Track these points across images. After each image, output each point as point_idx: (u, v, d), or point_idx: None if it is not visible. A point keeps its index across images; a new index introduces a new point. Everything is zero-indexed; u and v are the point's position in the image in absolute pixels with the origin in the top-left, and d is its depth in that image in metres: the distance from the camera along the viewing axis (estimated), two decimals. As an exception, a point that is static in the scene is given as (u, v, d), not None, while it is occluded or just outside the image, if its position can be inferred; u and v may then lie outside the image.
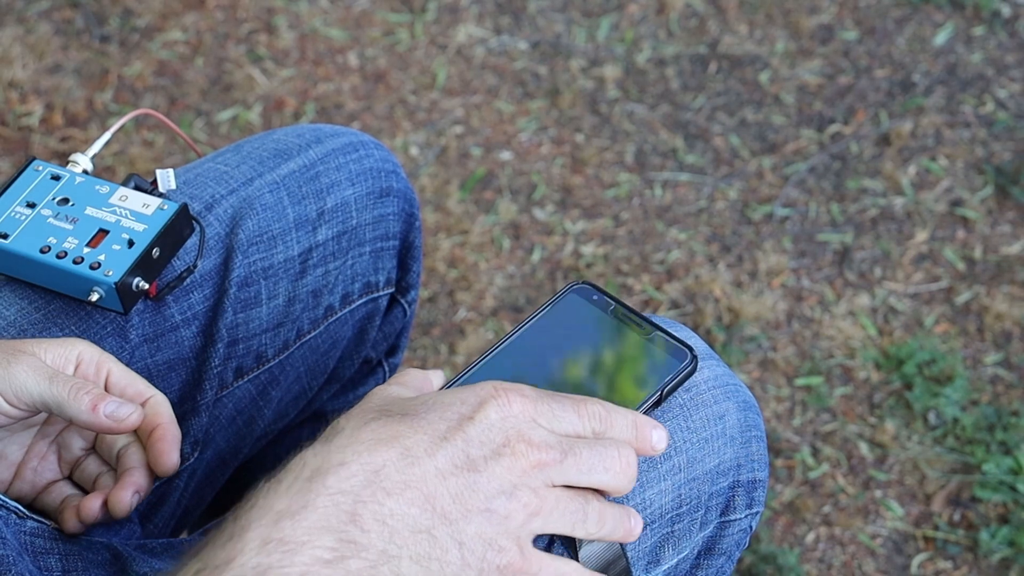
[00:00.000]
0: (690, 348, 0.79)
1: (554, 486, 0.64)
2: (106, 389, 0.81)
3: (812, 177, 1.82)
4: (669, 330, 0.80)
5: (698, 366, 0.79)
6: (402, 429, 0.62)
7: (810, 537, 1.49)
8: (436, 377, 0.72)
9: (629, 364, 0.77)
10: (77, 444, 0.84)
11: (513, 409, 0.64)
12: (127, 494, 0.80)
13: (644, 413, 0.77)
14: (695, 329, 1.64)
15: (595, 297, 0.82)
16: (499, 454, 0.63)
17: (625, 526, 0.68)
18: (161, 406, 0.81)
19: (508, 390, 0.64)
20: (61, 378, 0.77)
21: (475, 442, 0.62)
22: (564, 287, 0.83)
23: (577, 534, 0.66)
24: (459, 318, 1.67)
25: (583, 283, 0.83)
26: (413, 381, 0.70)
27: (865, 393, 1.60)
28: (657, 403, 0.78)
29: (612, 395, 0.77)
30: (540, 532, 0.64)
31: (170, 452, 0.80)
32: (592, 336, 0.81)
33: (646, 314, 0.82)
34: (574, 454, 0.64)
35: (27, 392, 0.76)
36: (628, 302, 0.83)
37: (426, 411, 0.64)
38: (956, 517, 1.50)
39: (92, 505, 0.80)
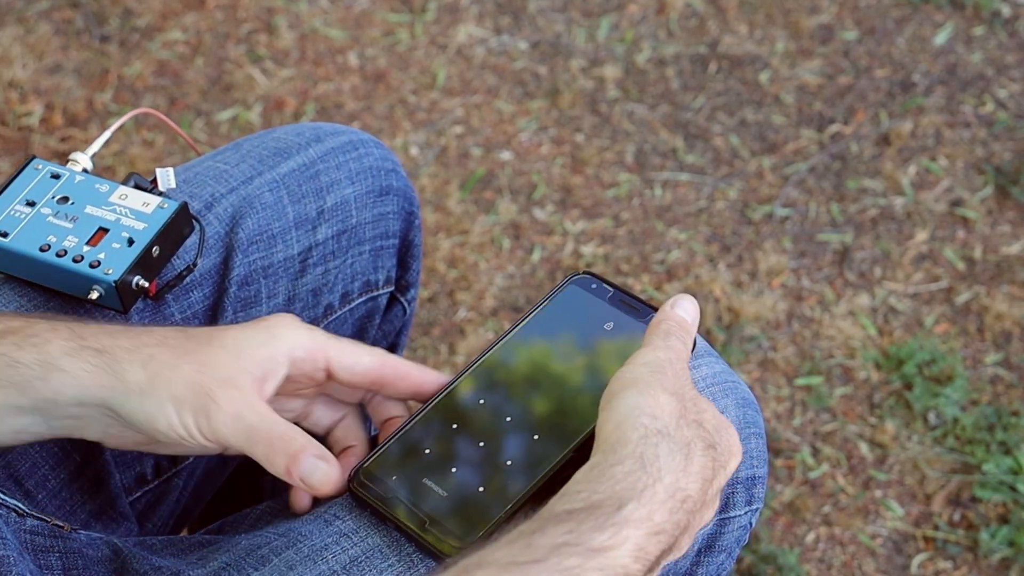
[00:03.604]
0: None
1: None
2: (329, 378, 0.80)
3: (812, 177, 1.82)
4: None
5: (696, 346, 0.80)
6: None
7: (810, 537, 1.49)
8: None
9: (627, 350, 0.78)
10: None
11: None
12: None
13: None
14: (695, 329, 1.64)
15: (594, 286, 0.83)
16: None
17: None
18: (399, 364, 0.81)
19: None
20: (259, 437, 0.75)
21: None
22: (564, 279, 0.83)
23: None
24: (459, 318, 1.67)
25: (583, 273, 0.84)
26: None
27: (865, 393, 1.60)
28: None
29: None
30: None
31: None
32: (592, 325, 0.81)
33: (645, 298, 0.83)
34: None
35: (225, 442, 0.75)
36: (627, 288, 0.84)
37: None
38: (956, 517, 1.50)
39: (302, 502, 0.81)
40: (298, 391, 0.82)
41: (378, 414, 0.84)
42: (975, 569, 1.46)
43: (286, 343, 0.77)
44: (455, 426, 0.79)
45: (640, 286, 1.69)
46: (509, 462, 0.77)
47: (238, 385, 0.75)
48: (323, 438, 0.84)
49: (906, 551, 1.48)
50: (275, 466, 0.75)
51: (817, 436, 1.57)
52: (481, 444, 0.78)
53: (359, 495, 0.78)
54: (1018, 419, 1.56)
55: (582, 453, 0.73)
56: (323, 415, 0.84)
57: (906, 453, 1.55)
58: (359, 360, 0.79)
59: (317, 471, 0.75)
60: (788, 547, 1.48)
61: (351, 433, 0.83)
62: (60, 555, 0.79)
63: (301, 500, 0.80)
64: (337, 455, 0.81)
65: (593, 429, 0.74)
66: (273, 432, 0.74)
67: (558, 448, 0.76)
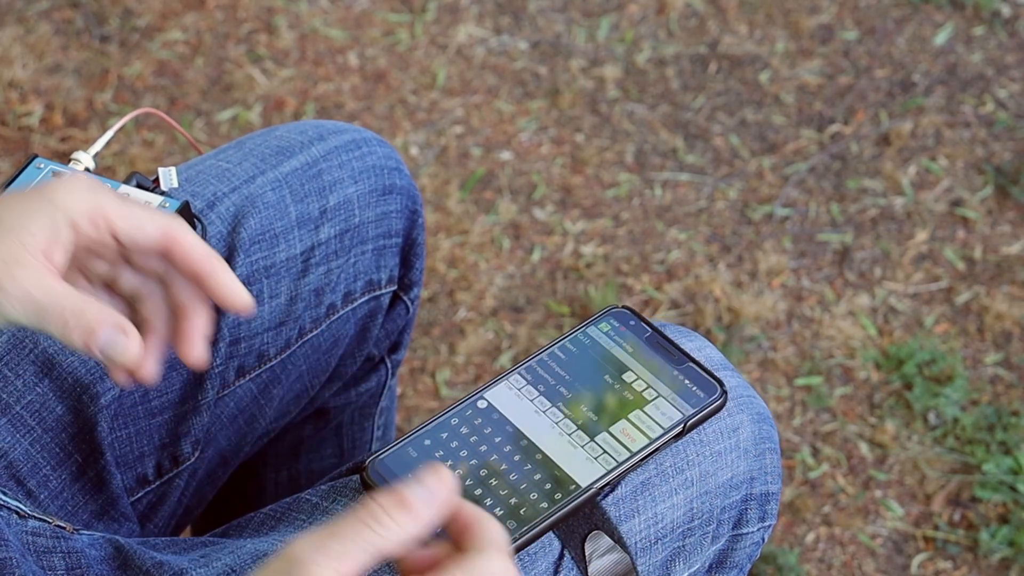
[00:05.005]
0: (720, 383, 0.79)
1: None
2: (116, 242, 0.74)
3: (812, 177, 1.82)
4: (704, 364, 0.80)
5: (727, 403, 0.79)
6: None
7: (810, 537, 1.49)
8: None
9: (656, 394, 0.77)
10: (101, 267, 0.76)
11: None
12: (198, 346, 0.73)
13: (664, 444, 0.77)
14: (695, 329, 1.64)
15: (632, 322, 0.82)
16: None
17: None
18: (184, 237, 0.73)
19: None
20: (50, 314, 0.70)
21: None
22: (603, 309, 0.83)
23: None
24: (459, 318, 1.67)
25: (622, 307, 0.83)
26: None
27: (865, 393, 1.60)
28: (679, 436, 0.78)
29: (635, 424, 0.78)
30: None
31: (232, 285, 0.73)
32: (623, 361, 0.81)
33: (682, 345, 0.82)
34: None
35: (18, 323, 0.71)
36: (667, 332, 0.83)
37: None
38: (956, 517, 1.50)
39: (149, 368, 0.73)
40: (97, 253, 0.75)
41: (172, 303, 0.76)
42: (975, 569, 1.46)
43: (64, 209, 0.71)
44: (474, 439, 0.79)
45: (640, 286, 1.69)
46: (514, 500, 0.76)
47: (23, 263, 0.70)
48: (133, 313, 0.77)
49: (906, 551, 1.48)
50: (73, 342, 0.70)
51: (817, 436, 1.57)
52: (501, 465, 0.77)
53: (370, 484, 0.77)
54: (1018, 419, 1.56)
55: (580, 512, 0.73)
56: (130, 280, 0.77)
57: (906, 453, 1.55)
58: (142, 227, 0.72)
59: (117, 344, 0.70)
60: (788, 547, 1.48)
61: (157, 312, 0.76)
62: (63, 556, 0.79)
63: (116, 376, 0.74)
64: (145, 337, 0.75)
65: (591, 493, 0.75)
66: (64, 306, 0.69)
67: (549, 502, 0.76)
